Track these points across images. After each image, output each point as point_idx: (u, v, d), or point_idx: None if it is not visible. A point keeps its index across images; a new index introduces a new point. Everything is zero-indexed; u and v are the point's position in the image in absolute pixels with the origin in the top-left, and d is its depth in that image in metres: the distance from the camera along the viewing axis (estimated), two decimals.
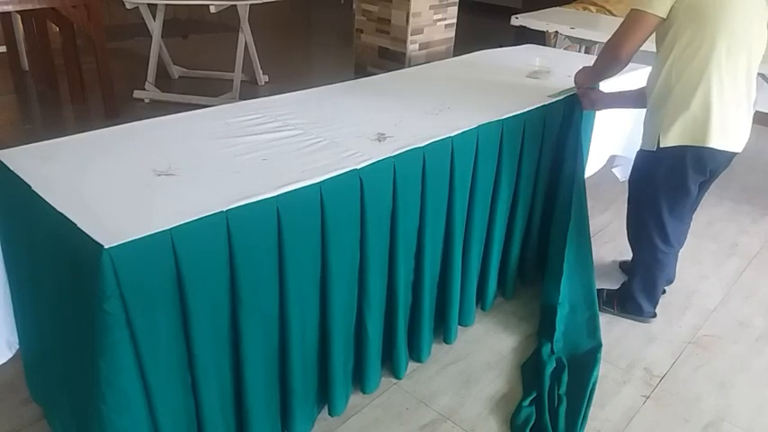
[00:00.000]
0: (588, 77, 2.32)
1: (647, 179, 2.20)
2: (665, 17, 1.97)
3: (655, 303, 2.47)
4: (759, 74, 2.29)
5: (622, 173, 2.98)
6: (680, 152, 2.06)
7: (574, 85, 2.38)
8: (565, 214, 2.38)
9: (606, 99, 2.37)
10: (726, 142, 2.04)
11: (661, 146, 2.06)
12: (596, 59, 2.26)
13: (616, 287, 2.55)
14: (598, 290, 2.45)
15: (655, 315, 2.48)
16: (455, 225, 2.05)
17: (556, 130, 2.39)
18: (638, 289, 2.42)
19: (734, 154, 2.10)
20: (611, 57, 2.09)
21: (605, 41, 2.16)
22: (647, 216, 2.26)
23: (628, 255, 2.50)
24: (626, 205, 2.40)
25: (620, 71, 2.15)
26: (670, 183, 2.14)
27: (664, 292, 2.57)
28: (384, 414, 1.98)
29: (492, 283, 2.41)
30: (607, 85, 2.38)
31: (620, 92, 2.37)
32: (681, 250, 2.50)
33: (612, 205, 3.27)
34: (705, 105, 1.99)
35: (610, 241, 2.98)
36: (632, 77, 2.58)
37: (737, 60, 1.98)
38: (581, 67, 2.36)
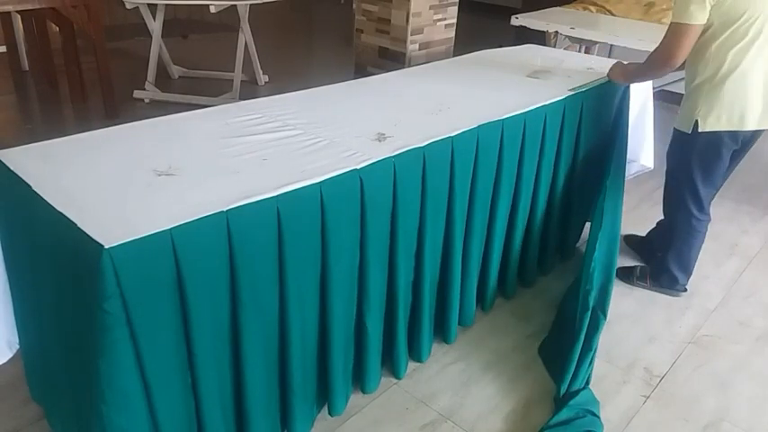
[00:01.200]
0: (630, 77, 2.51)
1: (682, 155, 2.38)
2: (704, 22, 2.13)
3: (688, 275, 2.61)
4: None
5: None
6: (714, 136, 2.26)
7: (593, 80, 2.53)
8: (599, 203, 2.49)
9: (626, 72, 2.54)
10: (761, 122, 2.24)
11: (699, 130, 2.25)
12: (645, 66, 2.36)
13: (631, 264, 2.77)
14: (630, 267, 2.73)
15: (686, 289, 2.63)
16: (455, 225, 2.05)
17: (574, 125, 2.45)
18: (673, 260, 2.57)
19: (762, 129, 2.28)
20: (665, 65, 2.23)
21: (652, 51, 2.28)
22: (682, 186, 2.43)
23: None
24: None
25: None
26: (704, 159, 2.33)
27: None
28: (384, 414, 1.98)
29: (492, 283, 2.41)
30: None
31: (636, 65, 2.49)
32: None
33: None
34: (740, 93, 2.18)
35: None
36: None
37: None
38: (616, 62, 2.58)
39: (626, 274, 2.73)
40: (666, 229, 2.63)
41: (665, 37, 2.20)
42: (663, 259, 2.61)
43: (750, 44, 2.13)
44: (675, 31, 2.15)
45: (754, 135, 2.33)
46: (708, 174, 2.36)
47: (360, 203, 1.70)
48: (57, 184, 1.48)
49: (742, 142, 2.33)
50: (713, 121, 2.23)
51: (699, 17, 2.10)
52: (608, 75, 2.58)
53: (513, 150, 2.20)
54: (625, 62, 2.60)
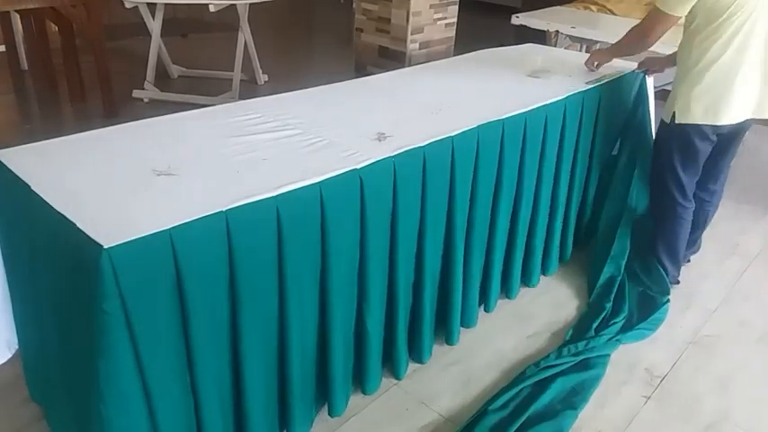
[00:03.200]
0: (607, 55, 2.66)
1: (663, 144, 2.44)
2: (682, 16, 2.20)
3: (678, 268, 2.64)
4: None
5: None
6: (691, 128, 2.30)
7: (607, 74, 2.62)
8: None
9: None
10: (737, 117, 2.27)
11: (676, 121, 2.31)
12: (621, 42, 2.53)
13: None
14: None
15: (678, 282, 2.65)
16: (456, 225, 2.04)
17: (575, 125, 2.46)
18: (662, 250, 2.58)
19: (743, 122, 2.31)
20: (638, 43, 2.42)
21: (631, 27, 2.43)
22: (665, 175, 2.47)
23: None
24: None
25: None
26: (682, 149, 2.37)
27: (688, 260, 2.76)
28: (384, 415, 1.98)
29: (495, 283, 2.40)
30: None
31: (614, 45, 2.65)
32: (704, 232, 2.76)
33: None
34: (721, 89, 2.20)
35: None
36: None
37: (755, 40, 2.16)
38: (594, 50, 2.80)
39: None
40: (651, 222, 2.64)
41: (644, 18, 2.34)
42: (653, 250, 2.62)
43: (731, 39, 2.15)
44: (653, 16, 2.27)
45: (742, 126, 2.35)
46: (688, 163, 2.40)
47: (360, 203, 1.70)
48: (56, 183, 1.47)
49: (728, 133, 2.35)
50: (689, 114, 2.27)
51: (678, 10, 2.18)
52: (587, 63, 2.69)
53: (513, 150, 2.19)
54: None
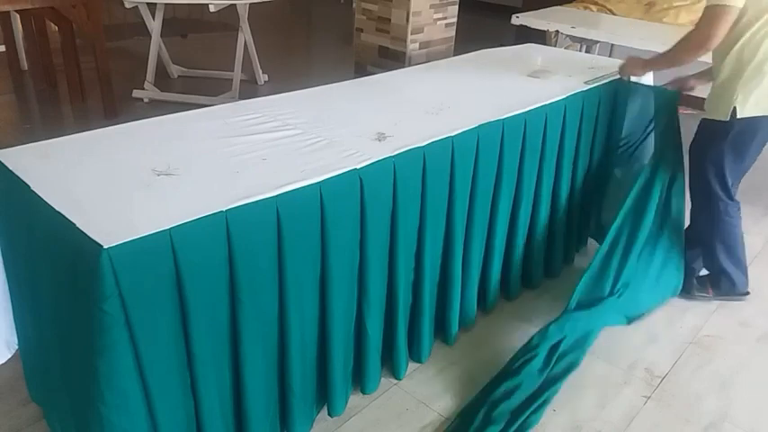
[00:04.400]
0: (652, 64, 2.54)
1: (713, 144, 2.38)
2: (741, 5, 2.14)
3: (745, 271, 2.59)
4: None
5: None
6: (753, 122, 2.28)
7: (608, 73, 2.59)
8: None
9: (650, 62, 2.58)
10: None
11: (738, 117, 2.26)
12: (676, 50, 2.36)
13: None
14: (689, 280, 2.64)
15: (748, 293, 2.60)
16: (456, 225, 2.04)
17: (575, 125, 2.45)
18: (724, 258, 2.52)
19: None
20: (699, 47, 2.25)
21: (687, 34, 2.30)
22: (710, 177, 2.42)
23: None
24: None
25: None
26: (738, 146, 2.34)
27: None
28: (384, 415, 1.98)
29: (494, 284, 2.40)
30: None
31: (655, 57, 2.56)
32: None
33: None
34: None
35: None
36: None
37: None
38: (629, 57, 2.61)
39: (684, 287, 2.63)
40: (701, 231, 2.56)
41: (700, 20, 2.22)
42: (715, 262, 2.55)
43: None
44: (712, 14, 2.16)
45: None
46: (740, 160, 2.37)
47: (360, 203, 1.70)
48: (55, 183, 1.47)
49: None
50: (752, 107, 2.25)
51: (736, 0, 2.11)
52: (620, 70, 2.60)
53: (513, 150, 2.19)
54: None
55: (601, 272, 2.42)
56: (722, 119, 2.31)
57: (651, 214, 2.45)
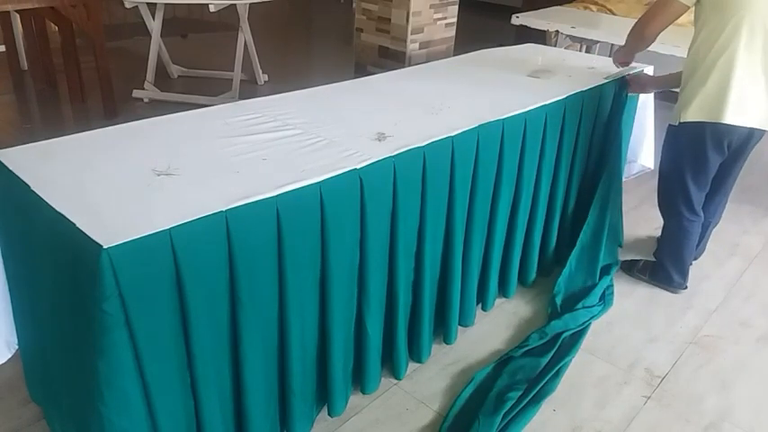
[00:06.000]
0: (621, 53, 2.59)
1: (672, 151, 2.43)
2: (690, 5, 2.18)
3: (684, 275, 2.64)
4: None
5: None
6: (698, 127, 2.27)
7: (620, 70, 2.64)
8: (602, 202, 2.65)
9: (653, 81, 2.69)
10: (742, 118, 2.21)
11: (681, 121, 2.29)
12: (627, 35, 2.47)
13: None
14: (634, 260, 2.78)
15: (686, 287, 2.65)
16: (455, 225, 2.04)
17: (574, 125, 2.47)
18: (667, 258, 2.62)
19: (751, 129, 2.27)
20: (638, 35, 2.38)
21: (636, 21, 2.39)
22: (673, 185, 2.47)
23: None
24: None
25: (646, 48, 2.45)
26: (691, 154, 2.35)
27: (690, 264, 2.69)
28: (384, 415, 1.98)
29: (493, 283, 2.40)
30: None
31: (665, 75, 2.62)
32: (713, 230, 2.77)
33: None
34: (722, 84, 2.18)
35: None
36: None
37: (757, 40, 2.14)
38: (617, 48, 2.67)
39: (628, 266, 2.78)
40: (663, 233, 2.65)
41: (650, 6, 2.30)
42: (659, 257, 2.66)
43: (738, 40, 2.13)
44: (657, 3, 2.25)
45: (748, 139, 2.32)
46: (696, 172, 2.37)
47: (360, 203, 1.70)
48: (55, 183, 1.47)
49: (735, 144, 2.32)
50: (693, 112, 2.24)
51: None
52: (614, 59, 2.65)
53: (513, 150, 2.19)
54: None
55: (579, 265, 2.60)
56: (674, 123, 2.34)
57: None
